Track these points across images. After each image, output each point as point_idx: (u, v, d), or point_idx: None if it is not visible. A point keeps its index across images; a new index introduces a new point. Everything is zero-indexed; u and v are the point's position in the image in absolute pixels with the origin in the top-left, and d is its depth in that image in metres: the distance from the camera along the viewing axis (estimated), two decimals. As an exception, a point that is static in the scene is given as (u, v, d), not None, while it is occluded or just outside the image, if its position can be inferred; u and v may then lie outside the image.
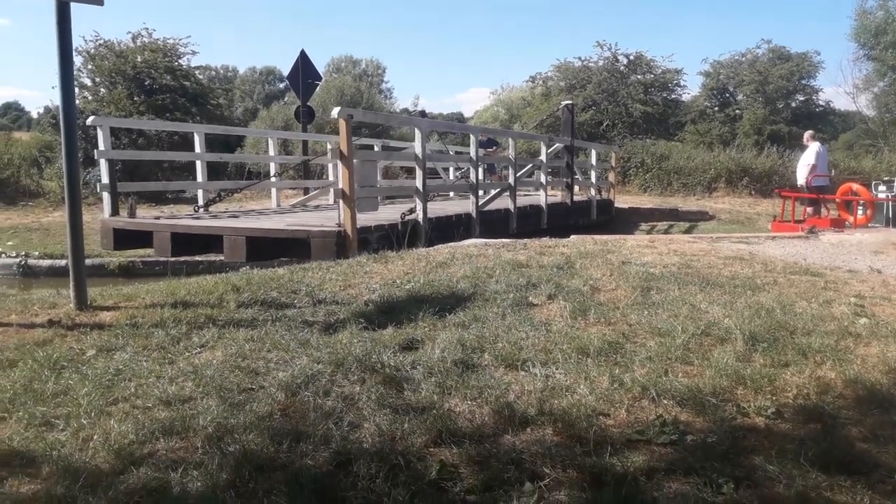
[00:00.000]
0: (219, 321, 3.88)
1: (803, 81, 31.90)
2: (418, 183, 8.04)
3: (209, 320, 3.89)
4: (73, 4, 4.02)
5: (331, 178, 12.03)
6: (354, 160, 6.92)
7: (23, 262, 11.46)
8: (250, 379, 3.01)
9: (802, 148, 13.98)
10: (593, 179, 15.88)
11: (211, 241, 7.24)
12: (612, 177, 18.34)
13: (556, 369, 3.01)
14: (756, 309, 3.81)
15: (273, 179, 10.55)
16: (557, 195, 13.88)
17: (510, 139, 11.08)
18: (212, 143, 19.79)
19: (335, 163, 12.43)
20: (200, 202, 9.02)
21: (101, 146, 7.72)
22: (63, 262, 11.87)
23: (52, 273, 11.62)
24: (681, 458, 2.33)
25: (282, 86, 57.86)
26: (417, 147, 8.14)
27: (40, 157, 21.01)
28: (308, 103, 17.22)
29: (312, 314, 4.01)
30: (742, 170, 23.15)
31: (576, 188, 14.37)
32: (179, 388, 2.90)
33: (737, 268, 5.08)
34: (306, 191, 13.82)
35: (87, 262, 11.07)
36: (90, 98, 21.10)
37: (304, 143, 15.57)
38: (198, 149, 9.01)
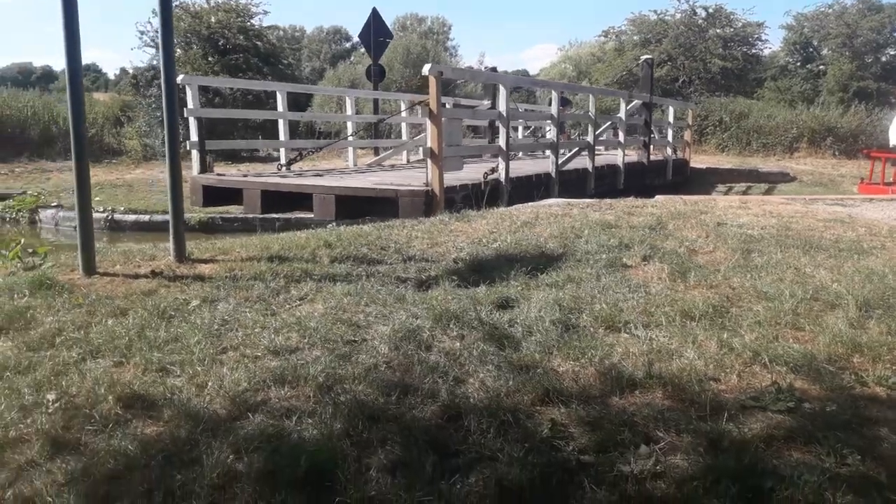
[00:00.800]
0: (315, 275, 3.95)
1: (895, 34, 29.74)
2: (501, 142, 7.92)
3: (305, 274, 3.97)
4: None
5: (404, 137, 12.04)
6: (442, 119, 6.85)
7: (109, 217, 11.95)
8: (352, 331, 3.06)
9: (893, 106, 13.12)
10: (669, 138, 15.37)
11: (299, 199, 7.36)
12: (688, 135, 17.71)
13: (660, 332, 2.94)
14: (866, 274, 3.61)
15: (350, 139, 10.61)
16: (633, 154, 13.50)
17: (591, 95, 10.78)
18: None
19: (408, 122, 12.46)
20: (283, 160, 9.16)
21: (190, 104, 7.89)
22: (147, 217, 12.34)
23: (137, 228, 12.11)
24: (800, 426, 2.24)
25: (348, 45, 57.91)
26: (501, 104, 8.00)
27: (122, 116, 21.79)
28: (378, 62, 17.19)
29: (404, 270, 4.04)
30: (826, 129, 21.96)
31: (651, 147, 13.94)
32: (285, 339, 2.97)
33: (839, 231, 4.83)
34: (376, 151, 13.88)
35: (162, 217, 11.64)
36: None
37: (375, 102, 15.57)
38: (280, 107, 9.10)
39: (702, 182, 16.90)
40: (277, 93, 9.21)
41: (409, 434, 2.18)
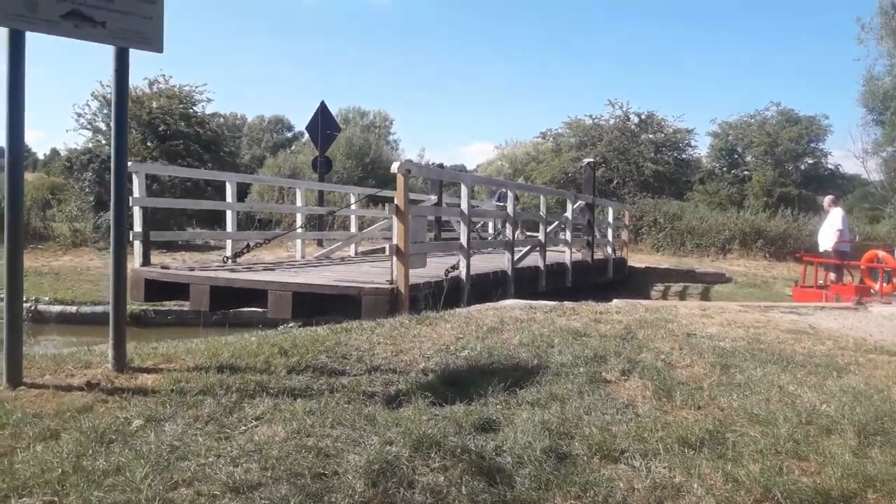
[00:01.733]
0: (270, 389, 3.60)
1: (812, 144, 32.16)
2: (463, 239, 7.83)
3: (260, 387, 3.62)
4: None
5: (353, 229, 11.87)
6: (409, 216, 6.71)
7: (33, 308, 11.20)
8: (321, 462, 2.72)
9: (819, 212, 13.87)
10: (610, 238, 15.75)
11: (251, 295, 6.97)
12: (625, 235, 18.25)
13: (659, 463, 2.73)
14: (853, 395, 3.53)
15: (299, 230, 10.36)
16: (578, 253, 13.70)
17: (542, 196, 10.96)
18: (219, 188, 19.80)
19: (357, 214, 12.34)
20: (228, 252, 8.80)
21: (136, 193, 7.52)
22: (74, 309, 11.61)
23: (62, 319, 11.35)
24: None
25: (289, 134, 58.50)
26: (463, 202, 7.96)
27: (52, 198, 20.97)
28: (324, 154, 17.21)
29: (369, 383, 3.73)
30: (756, 232, 23.08)
31: (594, 246, 14.20)
32: (245, 472, 2.61)
33: (807, 343, 4.82)
34: (320, 242, 13.63)
35: (98, 308, 10.95)
36: (104, 141, 21.19)
37: (320, 193, 15.46)
38: (229, 198, 8.83)
39: (641, 281, 17.26)
40: (227, 183, 8.96)
41: None
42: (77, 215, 18.57)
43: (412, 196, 15.66)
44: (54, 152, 39.67)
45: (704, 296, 16.03)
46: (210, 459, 2.72)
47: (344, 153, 37.44)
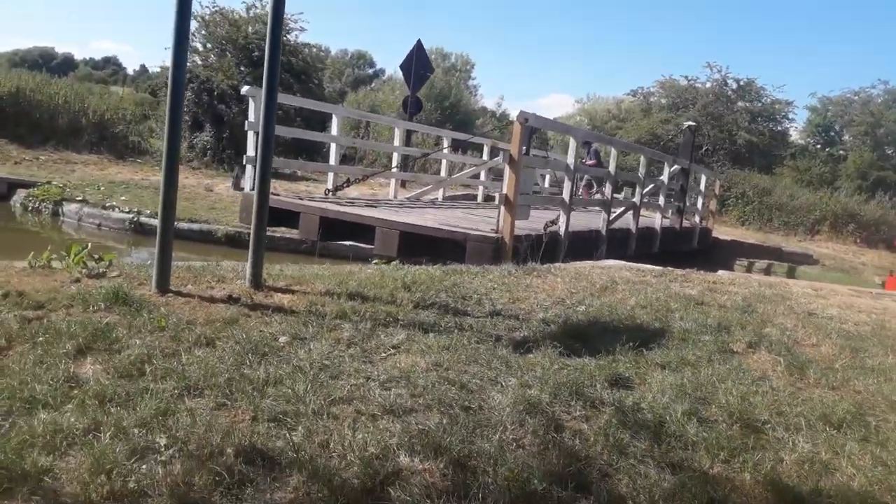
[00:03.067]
0: (401, 320, 3.72)
1: (919, 129, 30.08)
2: (566, 195, 7.78)
3: (391, 318, 3.75)
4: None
5: (443, 173, 11.90)
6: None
7: (136, 219, 11.68)
8: (465, 395, 2.83)
9: None
10: (699, 206, 15.30)
11: (358, 230, 7.14)
12: (712, 205, 17.66)
13: (802, 438, 2.71)
14: None
15: (395, 170, 10.47)
16: (666, 219, 13.39)
17: (642, 156, 10.70)
18: (307, 119, 19.92)
19: (449, 159, 12.35)
20: (330, 185, 8.97)
21: (251, 117, 7.67)
22: (177, 225, 12.13)
23: (163, 233, 11.88)
24: None
25: (370, 71, 58.31)
26: (570, 157, 7.87)
27: (152, 113, 21.67)
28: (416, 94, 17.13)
29: (493, 326, 3.82)
30: (849, 215, 22.00)
31: (684, 213, 13.83)
32: (396, 396, 2.74)
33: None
34: (402, 184, 13.70)
35: (195, 227, 11.40)
36: (199, 62, 21.54)
37: (408, 134, 15.47)
38: (335, 131, 8.95)
39: (725, 253, 16.77)
40: (334, 116, 9.07)
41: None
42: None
43: (503, 146, 15.51)
44: (143, 69, 40.74)
45: (790, 276, 15.47)
46: (360, 381, 2.87)
47: (424, 95, 37.28)
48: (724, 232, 19.11)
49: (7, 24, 79.33)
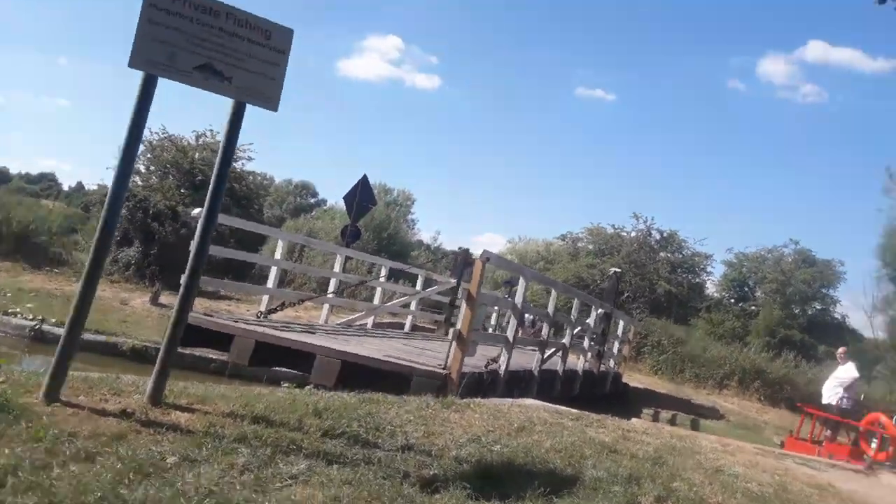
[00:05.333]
0: (305, 449, 3.52)
1: (823, 290, 31.92)
2: (509, 333, 7.81)
3: (294, 445, 3.55)
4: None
5: (376, 301, 11.89)
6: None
7: (38, 327, 11.02)
8: (362, 538, 2.64)
9: (822, 361, 13.64)
10: (615, 351, 15.68)
11: (295, 357, 6.85)
12: (626, 350, 18.13)
13: None
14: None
15: (330, 296, 10.39)
16: (587, 362, 13.60)
17: (576, 299, 10.99)
18: (241, 241, 19.91)
19: (383, 287, 12.36)
20: (263, 308, 8.77)
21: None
22: (82, 336, 11.46)
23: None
24: None
25: (312, 200, 59.07)
26: (519, 297, 7.95)
27: (80, 227, 21.21)
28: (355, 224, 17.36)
29: (403, 461, 3.65)
30: (756, 371, 22.80)
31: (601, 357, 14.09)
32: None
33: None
34: (332, 309, 13.54)
35: (101, 338, 10.78)
36: (140, 183, 21.51)
37: (345, 260, 15.51)
38: (278, 255, 8.94)
39: (635, 400, 17.03)
40: (280, 240, 9.09)
41: None
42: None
43: (432, 277, 15.69)
44: (79, 185, 40.38)
45: (694, 428, 15.75)
46: (250, 514, 2.64)
47: (364, 224, 37.92)
48: (637, 380, 19.44)
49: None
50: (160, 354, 3.99)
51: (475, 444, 4.22)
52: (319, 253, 20.89)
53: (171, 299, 14.75)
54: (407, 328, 12.95)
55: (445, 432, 4.39)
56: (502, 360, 7.65)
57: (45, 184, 40.76)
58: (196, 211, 7.72)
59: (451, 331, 7.76)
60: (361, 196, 16.32)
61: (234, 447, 3.34)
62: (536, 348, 9.04)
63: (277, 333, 7.18)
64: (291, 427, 3.86)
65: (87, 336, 11.16)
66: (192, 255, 4.22)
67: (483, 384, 6.70)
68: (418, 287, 13.21)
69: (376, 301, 11.86)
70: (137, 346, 10.49)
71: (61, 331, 11.39)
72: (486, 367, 7.37)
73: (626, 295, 28.10)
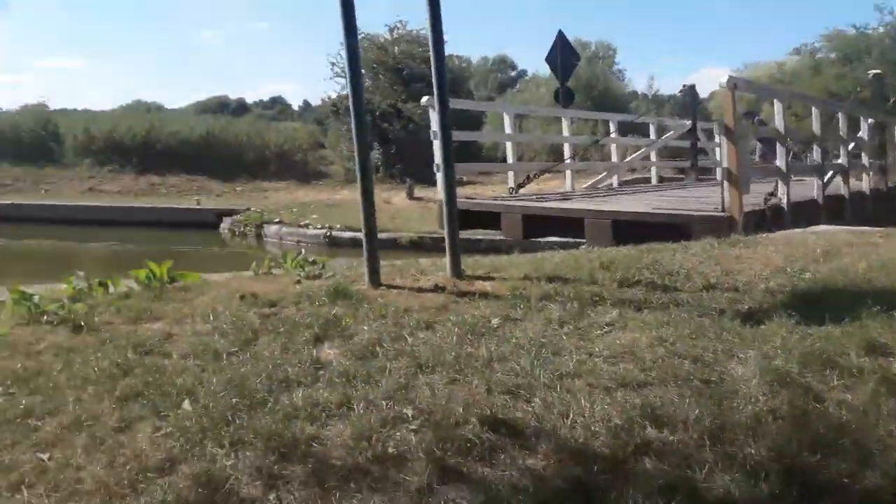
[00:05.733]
0: (607, 300, 3.60)
1: None
2: (780, 163, 7.15)
3: (596, 297, 3.63)
4: None
5: (614, 159, 11.55)
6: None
7: (328, 234, 12.58)
8: (700, 369, 2.65)
9: None
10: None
11: (562, 224, 6.99)
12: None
13: None
14: None
15: (568, 161, 10.30)
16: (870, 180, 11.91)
17: (840, 113, 9.65)
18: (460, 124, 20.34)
19: (620, 143, 11.94)
20: (510, 184, 9.00)
21: (433, 126, 7.72)
22: (361, 235, 12.94)
23: (353, 244, 12.61)
24: None
25: (513, 73, 57.94)
26: (779, 121, 7.20)
27: (323, 141, 23.30)
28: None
29: (711, 299, 3.57)
30: None
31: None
32: (625, 371, 2.63)
33: None
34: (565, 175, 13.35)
35: (382, 236, 11.89)
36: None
37: (571, 123, 15.17)
38: (508, 129, 8.96)
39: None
40: (505, 115, 9.10)
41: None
42: (348, 155, 20.36)
43: (664, 124, 14.64)
44: (306, 104, 43.81)
45: None
46: (583, 357, 2.79)
47: (571, 87, 36.47)
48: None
49: (189, 81, 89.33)
50: (447, 235, 4.30)
51: (782, 275, 3.97)
52: (538, 124, 20.55)
53: (423, 192, 15.90)
54: (653, 181, 12.40)
55: (744, 269, 4.18)
56: (781, 193, 6.99)
57: (277, 108, 44.97)
58: (425, 99, 7.93)
59: (717, 171, 7.22)
60: (563, 54, 15.51)
61: (544, 304, 3.52)
62: (815, 174, 8.12)
63: (542, 205, 7.31)
64: (585, 282, 3.95)
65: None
66: (440, 146, 4.44)
67: (765, 221, 6.20)
68: (652, 136, 12.48)
69: (614, 159, 11.46)
70: (413, 238, 11.54)
71: (349, 234, 12.85)
72: (765, 203, 6.81)
73: (892, 100, 23.80)
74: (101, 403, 2.45)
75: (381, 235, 11.79)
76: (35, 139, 20.65)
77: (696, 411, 2.24)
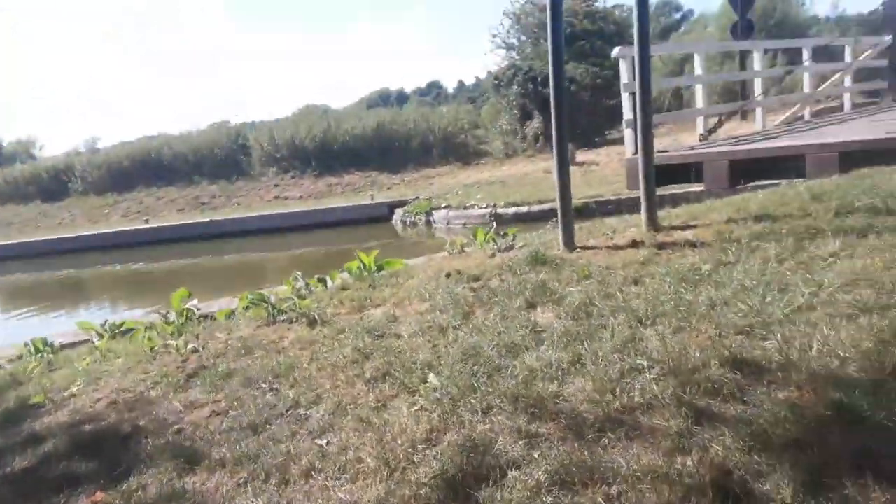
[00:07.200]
0: (825, 231, 3.37)
1: None
2: None
3: (812, 230, 3.42)
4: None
5: (806, 89, 10.53)
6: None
7: (493, 212, 12.79)
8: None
9: None
10: None
11: (773, 164, 6.48)
12: None
13: None
14: None
15: (759, 98, 9.53)
16: None
17: None
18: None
19: (813, 72, 10.83)
20: (700, 129, 8.52)
21: (625, 79, 7.46)
22: (525, 209, 12.98)
23: (517, 219, 12.72)
24: None
25: (677, 16, 54.38)
26: None
27: (478, 120, 23.48)
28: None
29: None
30: None
31: None
32: (866, 297, 2.47)
33: None
34: (743, 114, 12.27)
35: (546, 206, 11.91)
36: (516, 57, 22.47)
37: (742, 55, 14.08)
38: (699, 71, 8.44)
39: None
40: (696, 55, 8.58)
41: None
42: (507, 129, 20.36)
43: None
44: (461, 84, 44.22)
45: None
46: (813, 289, 2.66)
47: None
48: None
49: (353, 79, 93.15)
50: (642, 186, 4.23)
51: None
52: (713, 59, 18.92)
53: (584, 156, 15.62)
54: (847, 108, 11.14)
55: None
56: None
57: (434, 93, 45.70)
58: (617, 50, 7.61)
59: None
60: (743, -17, 14.47)
61: (756, 245, 3.37)
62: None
63: (748, 146, 6.71)
64: (797, 217, 3.73)
65: (533, 208, 12.68)
66: (638, 94, 4.33)
67: None
68: (847, 59, 11.17)
69: (806, 89, 10.41)
70: (578, 204, 11.34)
71: (513, 209, 12.83)
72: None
73: None
74: (354, 387, 2.69)
75: (545, 206, 11.84)
76: (228, 154, 22.58)
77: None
